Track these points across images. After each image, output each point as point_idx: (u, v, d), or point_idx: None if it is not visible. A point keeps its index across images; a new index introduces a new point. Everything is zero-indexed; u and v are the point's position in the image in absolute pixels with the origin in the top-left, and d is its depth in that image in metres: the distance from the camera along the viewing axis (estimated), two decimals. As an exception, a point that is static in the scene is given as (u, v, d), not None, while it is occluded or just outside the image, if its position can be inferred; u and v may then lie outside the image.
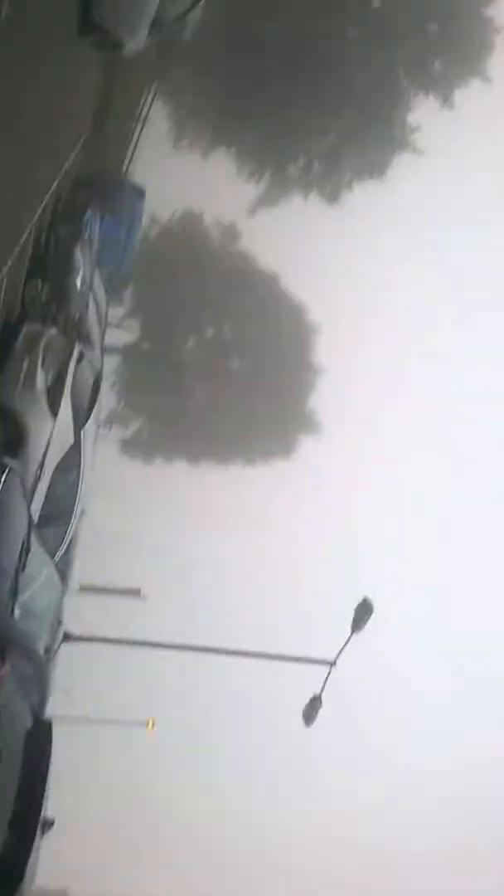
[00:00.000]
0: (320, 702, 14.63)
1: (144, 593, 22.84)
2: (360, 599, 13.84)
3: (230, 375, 30.00)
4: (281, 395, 30.94)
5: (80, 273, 11.97)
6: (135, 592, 22.19)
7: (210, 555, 27.13)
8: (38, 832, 5.49)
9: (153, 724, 22.41)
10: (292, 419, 32.32)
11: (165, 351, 29.43)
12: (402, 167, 25.60)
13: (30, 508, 7.70)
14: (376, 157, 25.83)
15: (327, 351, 30.78)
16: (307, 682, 14.64)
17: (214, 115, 25.82)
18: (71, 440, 9.47)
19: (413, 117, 25.10)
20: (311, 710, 14.63)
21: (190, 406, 29.25)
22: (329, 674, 14.36)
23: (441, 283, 29.48)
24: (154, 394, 29.22)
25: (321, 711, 14.67)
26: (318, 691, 14.60)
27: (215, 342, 30.64)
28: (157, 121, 24.14)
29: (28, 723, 5.84)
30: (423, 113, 25.06)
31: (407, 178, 25.72)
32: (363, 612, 13.72)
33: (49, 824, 6.42)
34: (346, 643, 13.98)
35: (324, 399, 31.27)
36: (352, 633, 13.88)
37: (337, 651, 14.17)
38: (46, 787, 5.57)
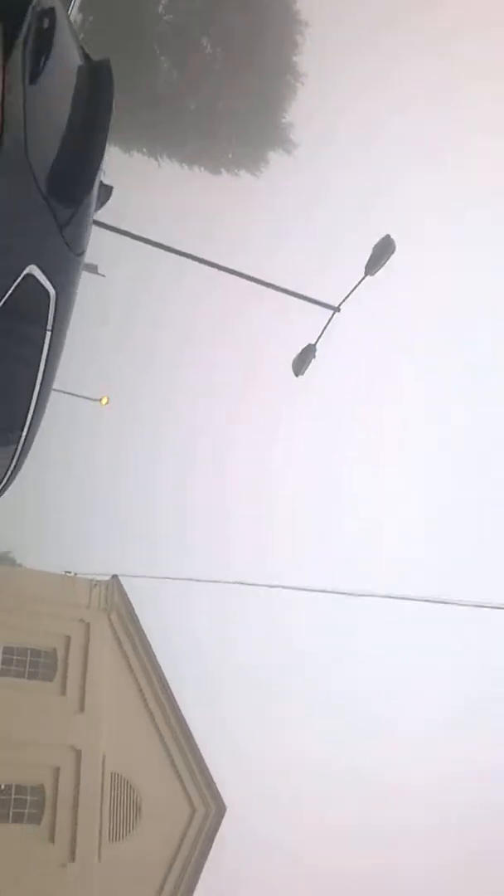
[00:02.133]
0: (314, 352, 13.72)
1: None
2: (381, 236, 12.47)
3: (204, 61, 26.24)
4: (257, 99, 27.61)
5: None
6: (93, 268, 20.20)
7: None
8: None
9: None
10: (266, 128, 29.20)
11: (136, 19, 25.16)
12: None
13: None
14: None
15: (313, 54, 27.48)
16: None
17: None
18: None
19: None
20: (303, 359, 13.73)
21: (159, 88, 25.71)
22: (330, 319, 13.33)
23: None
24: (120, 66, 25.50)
25: (313, 363, 13.81)
26: (313, 340, 13.64)
27: (189, 19, 26.38)
28: None
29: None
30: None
31: None
32: (382, 250, 12.43)
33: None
34: (356, 287, 12.82)
35: (303, 112, 28.28)
36: (365, 275, 12.68)
37: (343, 296, 13.08)
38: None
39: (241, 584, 14.12)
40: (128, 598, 24.78)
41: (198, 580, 16.00)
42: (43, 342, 4.97)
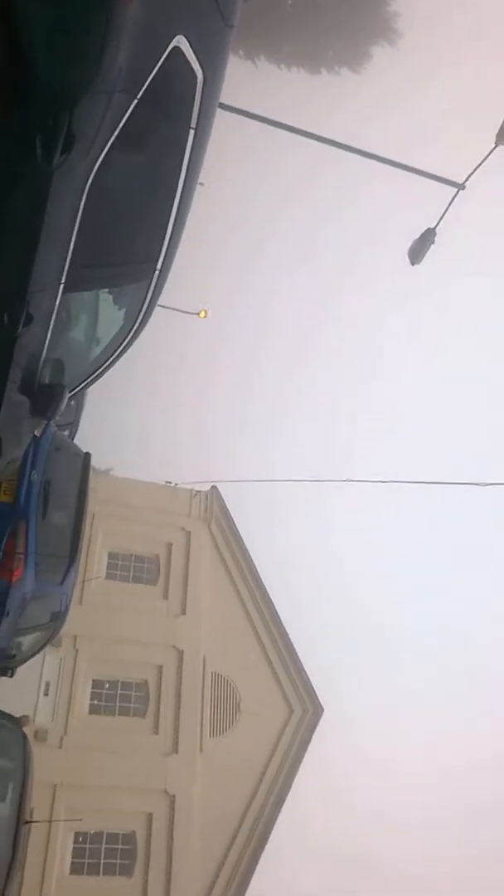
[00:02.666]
0: (433, 237, 12.86)
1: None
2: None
3: None
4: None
5: None
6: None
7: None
8: None
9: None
10: (370, 19, 27.44)
11: None
12: None
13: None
14: None
15: None
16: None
17: None
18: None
19: None
20: (421, 245, 12.89)
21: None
22: (454, 198, 12.40)
23: None
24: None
25: (431, 249, 12.96)
26: (433, 223, 12.76)
27: None
28: None
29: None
30: None
31: None
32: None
33: None
34: (485, 159, 11.79)
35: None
36: (496, 145, 11.63)
37: (468, 173, 12.08)
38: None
39: (350, 480, 13.81)
40: (226, 508, 25.04)
41: (302, 480, 15.79)
42: (185, 145, 4.46)
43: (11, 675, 11.40)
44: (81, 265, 4.32)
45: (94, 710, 20.36)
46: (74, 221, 4.12)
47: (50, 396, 5.35)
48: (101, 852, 18.66)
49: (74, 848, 18.43)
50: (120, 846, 18.92)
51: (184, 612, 22.64)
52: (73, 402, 12.76)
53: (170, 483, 25.45)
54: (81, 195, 4.00)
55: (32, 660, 12.46)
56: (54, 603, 10.33)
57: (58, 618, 10.65)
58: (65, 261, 4.28)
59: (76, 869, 18.27)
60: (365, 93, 32.18)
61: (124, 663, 21.11)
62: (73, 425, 15.05)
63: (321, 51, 30.97)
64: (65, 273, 4.38)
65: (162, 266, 4.84)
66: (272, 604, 23.58)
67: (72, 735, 19.17)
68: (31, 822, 8.12)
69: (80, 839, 18.69)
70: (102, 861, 18.60)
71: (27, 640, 10.74)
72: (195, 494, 25.15)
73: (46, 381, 5.31)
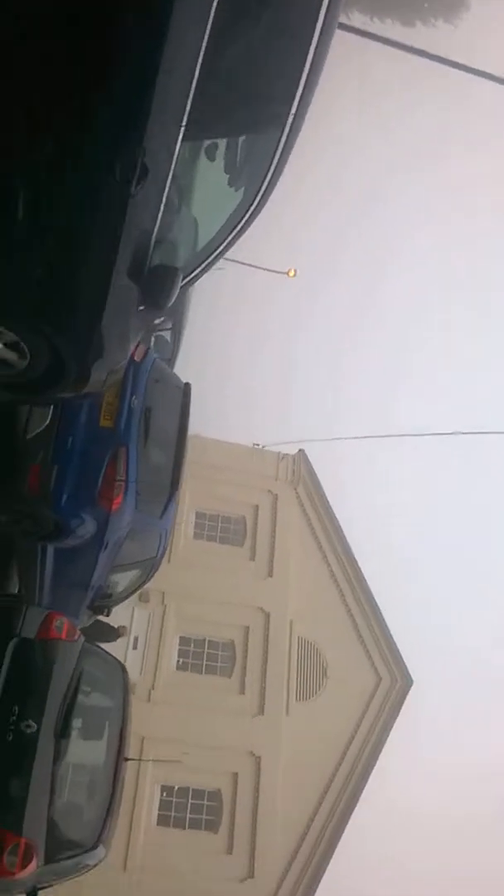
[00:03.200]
0: None
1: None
2: None
3: None
4: None
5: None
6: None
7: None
8: None
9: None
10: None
11: None
12: None
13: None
14: None
15: None
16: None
17: None
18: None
19: None
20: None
21: None
22: None
23: None
24: None
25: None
26: None
27: None
28: None
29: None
30: None
31: None
32: None
33: None
34: None
35: None
36: None
37: None
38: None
39: (458, 433, 13.04)
40: (314, 471, 24.51)
41: (405, 435, 15.08)
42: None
43: (108, 615, 11.22)
44: (206, 102, 3.81)
45: (181, 666, 20.36)
46: (201, 43, 3.62)
47: (162, 280, 4.85)
48: (187, 807, 18.70)
49: (161, 801, 18.52)
50: (206, 802, 18.92)
51: (270, 574, 22.32)
52: (169, 337, 12.46)
53: (257, 445, 25.10)
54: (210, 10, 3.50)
55: (122, 612, 12.27)
56: (153, 539, 9.97)
57: (156, 555, 10.32)
58: (188, 94, 3.77)
59: (163, 821, 18.37)
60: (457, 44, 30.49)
61: (211, 622, 20.99)
62: (170, 360, 14.72)
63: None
64: (186, 112, 3.86)
65: (297, 112, 4.25)
66: (360, 570, 22.99)
67: (159, 690, 19.21)
68: (129, 759, 7.87)
69: (167, 794, 18.75)
70: (188, 815, 18.64)
71: (124, 578, 10.48)
72: (282, 458, 24.72)
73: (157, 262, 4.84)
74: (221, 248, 5.23)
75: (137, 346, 8.83)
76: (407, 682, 21.43)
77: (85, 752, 7.65)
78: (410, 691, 21.38)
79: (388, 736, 21.24)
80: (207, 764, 18.80)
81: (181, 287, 5.16)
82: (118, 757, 7.61)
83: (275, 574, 22.30)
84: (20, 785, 6.33)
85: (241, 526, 23.27)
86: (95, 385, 5.69)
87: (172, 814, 18.55)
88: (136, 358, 8.65)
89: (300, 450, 24.88)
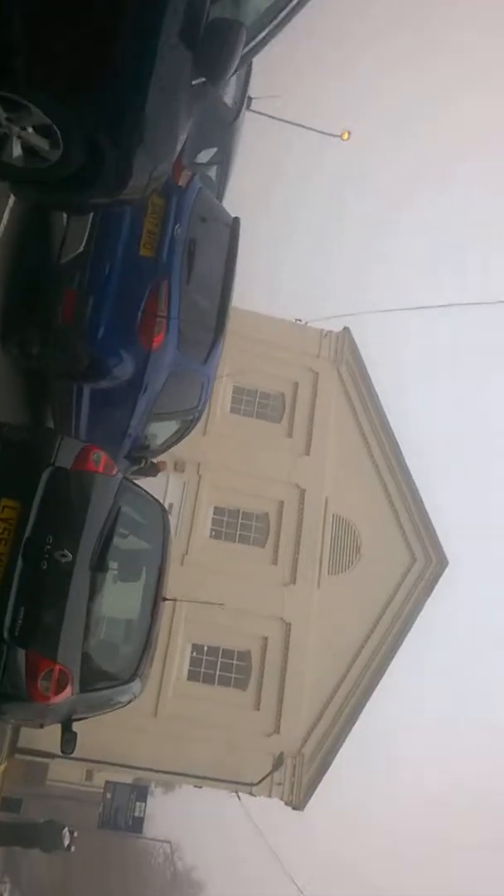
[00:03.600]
0: None
1: None
2: None
3: None
4: None
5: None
6: None
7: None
8: None
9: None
10: None
11: None
12: None
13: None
14: None
15: None
16: None
17: None
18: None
19: None
20: None
21: None
22: None
23: None
24: None
25: None
26: None
27: None
28: None
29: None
30: None
31: None
32: None
33: None
34: None
35: None
36: None
37: None
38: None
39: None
40: (358, 351, 23.77)
41: (455, 304, 14.24)
42: None
43: (144, 466, 10.84)
44: None
45: (214, 535, 20.60)
46: None
47: (223, 39, 4.09)
48: (217, 665, 19.36)
49: (192, 658, 19.18)
50: (235, 661, 19.55)
51: (308, 452, 22.09)
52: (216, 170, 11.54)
53: (299, 321, 24.28)
54: None
55: (157, 480, 11.83)
56: (195, 387, 9.46)
57: (198, 405, 9.83)
58: None
59: (193, 676, 19.09)
60: None
61: (246, 495, 21.02)
62: (219, 195, 13.60)
63: None
64: None
65: None
66: (400, 452, 22.61)
67: (192, 554, 19.50)
68: (167, 599, 7.78)
69: (197, 652, 19.38)
70: (218, 673, 19.33)
71: (163, 429, 10.08)
72: (325, 335, 23.93)
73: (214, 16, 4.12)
74: (290, 7, 4.46)
75: (182, 170, 8.12)
76: (442, 563, 21.44)
77: (122, 588, 7.47)
78: (445, 572, 21.43)
79: (418, 615, 21.47)
80: (238, 626, 19.28)
81: (243, 58, 4.44)
82: (156, 595, 7.48)
83: (312, 452, 22.07)
84: (55, 613, 6.21)
85: (279, 402, 22.89)
86: (136, 188, 5.08)
87: (202, 670, 19.24)
88: (180, 183, 7.94)
89: (345, 327, 24.05)
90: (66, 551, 6.33)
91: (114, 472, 7.33)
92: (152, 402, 8.75)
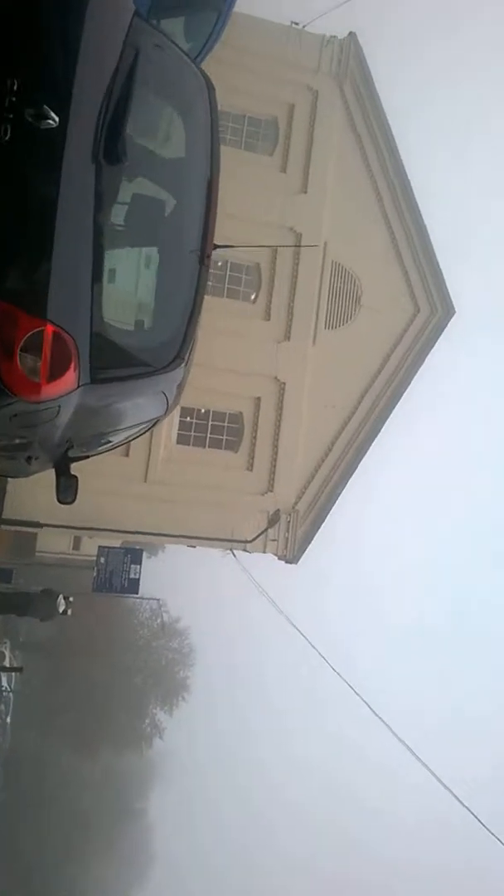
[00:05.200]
0: None
1: None
2: None
3: None
4: None
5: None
6: None
7: None
8: None
9: None
10: None
11: None
12: None
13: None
14: None
15: None
16: None
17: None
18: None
19: None
20: None
21: None
22: None
23: None
24: None
25: None
26: None
27: None
28: None
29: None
30: None
31: None
32: None
33: None
34: None
35: None
36: None
37: None
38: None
39: None
40: (366, 65, 19.97)
41: None
42: None
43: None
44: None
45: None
46: None
47: None
48: (208, 428, 18.62)
49: (181, 422, 18.36)
50: (226, 424, 18.79)
51: (304, 190, 19.44)
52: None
53: (296, 25, 20.15)
54: None
55: None
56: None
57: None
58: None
59: (182, 440, 18.42)
60: None
61: (237, 241, 18.76)
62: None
63: None
64: None
65: None
66: (410, 188, 19.90)
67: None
68: (217, 246, 4.97)
69: (187, 416, 18.51)
70: (209, 436, 18.65)
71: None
72: (327, 43, 19.95)
73: None
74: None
75: None
76: (448, 312, 19.77)
77: (149, 205, 4.61)
78: (450, 323, 19.84)
79: (419, 369, 20.26)
80: (229, 387, 18.23)
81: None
82: (205, 229, 4.78)
83: (310, 189, 19.42)
84: (38, 230, 3.45)
85: (271, 130, 19.73)
86: None
87: (192, 434, 18.54)
88: None
89: (351, 32, 20.02)
90: (46, 109, 3.38)
91: None
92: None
